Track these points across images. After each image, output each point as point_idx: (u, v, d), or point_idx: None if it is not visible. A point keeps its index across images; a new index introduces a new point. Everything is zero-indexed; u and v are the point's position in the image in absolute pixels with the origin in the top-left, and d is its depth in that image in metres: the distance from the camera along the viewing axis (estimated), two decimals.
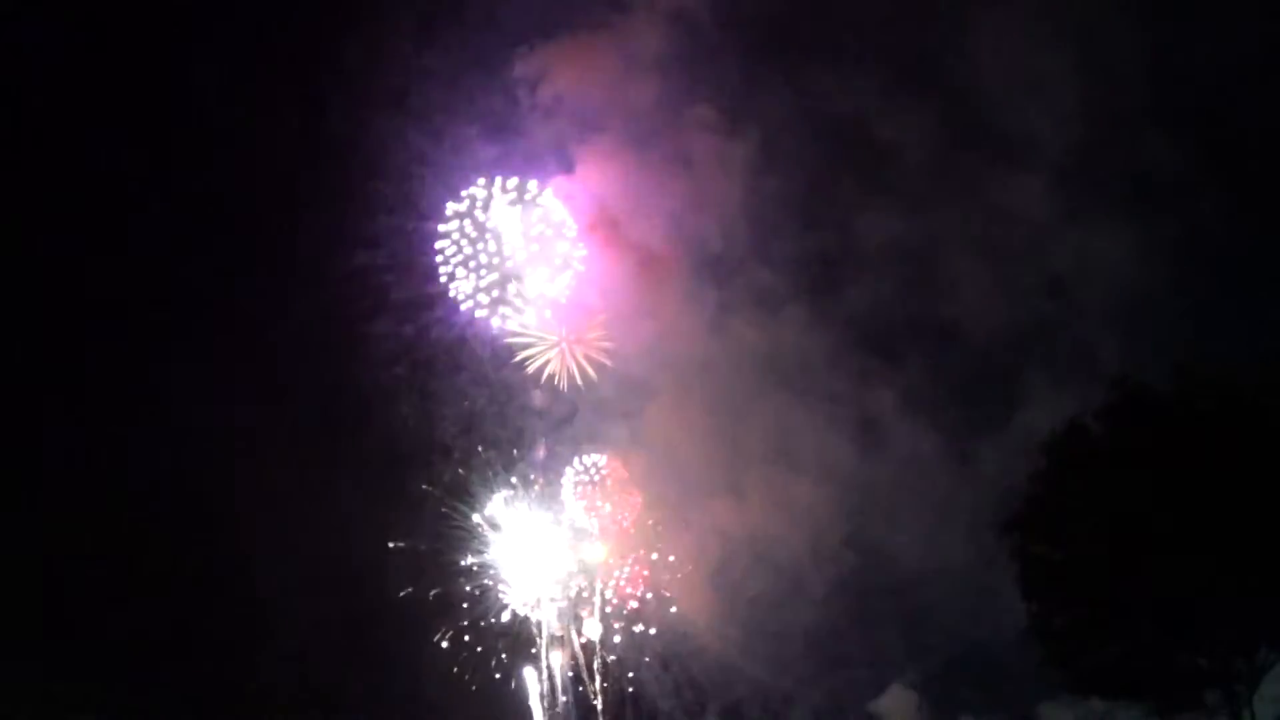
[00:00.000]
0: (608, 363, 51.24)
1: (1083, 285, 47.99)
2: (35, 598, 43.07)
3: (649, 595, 51.57)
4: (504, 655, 50.29)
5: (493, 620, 50.34)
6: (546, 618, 51.38)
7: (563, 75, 52.04)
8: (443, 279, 51.17)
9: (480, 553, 51.11)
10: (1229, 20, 44.84)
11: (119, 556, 44.13)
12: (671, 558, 51.54)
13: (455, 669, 48.85)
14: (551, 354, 51.22)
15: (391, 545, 49.29)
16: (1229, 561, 33.80)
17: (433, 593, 49.15)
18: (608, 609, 51.56)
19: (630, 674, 51.44)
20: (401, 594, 48.49)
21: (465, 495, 51.56)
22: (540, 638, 50.61)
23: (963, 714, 50.96)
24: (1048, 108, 47.40)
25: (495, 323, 51.11)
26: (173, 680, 41.76)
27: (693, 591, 50.86)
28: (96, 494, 45.94)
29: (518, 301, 51.22)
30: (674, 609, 51.15)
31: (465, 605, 50.03)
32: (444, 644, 48.94)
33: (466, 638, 49.80)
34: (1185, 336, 42.68)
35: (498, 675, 50.16)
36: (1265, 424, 34.40)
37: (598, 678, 51.15)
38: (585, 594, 51.86)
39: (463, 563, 50.77)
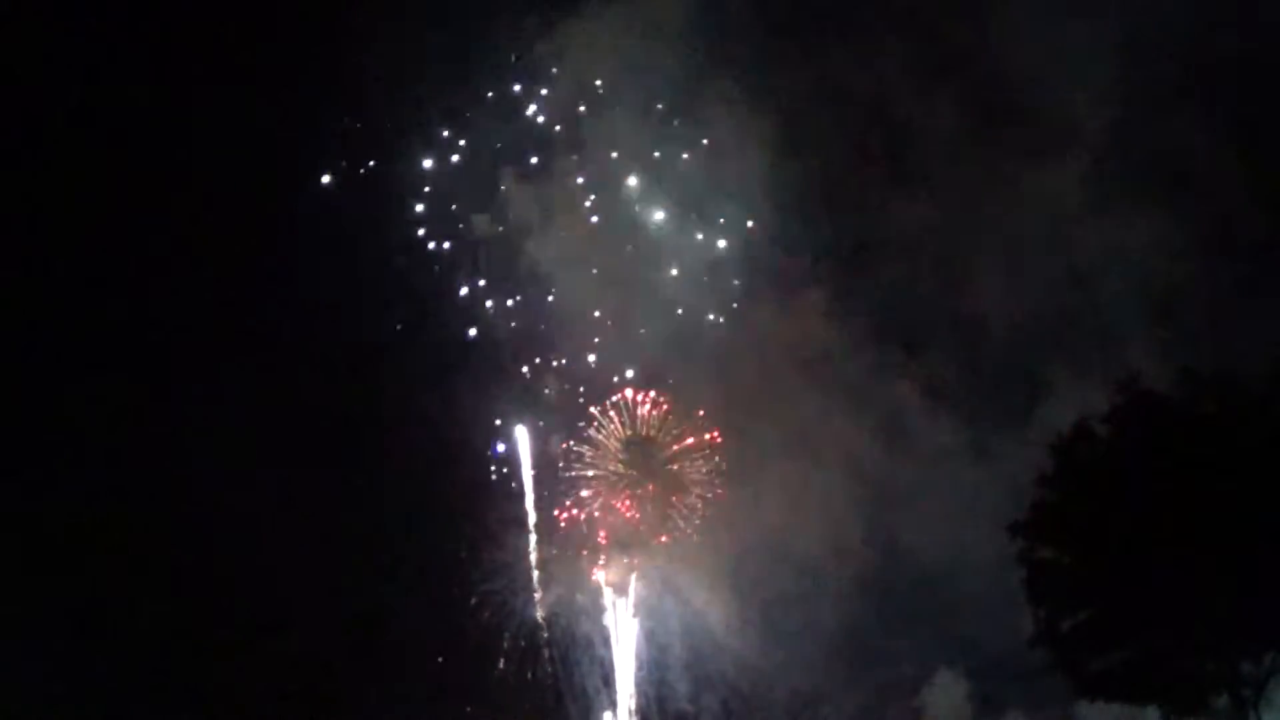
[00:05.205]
0: None
1: (1109, 277, 50.17)
2: (40, 596, 46.76)
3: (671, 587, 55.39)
4: (527, 652, 54.12)
5: (514, 618, 54.30)
6: (570, 614, 55.81)
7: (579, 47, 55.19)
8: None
9: (501, 548, 54.90)
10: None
11: (126, 556, 48.18)
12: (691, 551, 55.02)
13: (476, 670, 53.03)
14: None
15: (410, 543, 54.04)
16: (1236, 566, 35.84)
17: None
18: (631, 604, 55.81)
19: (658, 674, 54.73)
20: (417, 592, 52.61)
21: (486, 490, 56.16)
22: (552, 633, 54.78)
23: (1011, 709, 53.60)
24: (1077, 92, 49.45)
25: None
26: (176, 682, 46.22)
27: (714, 587, 54.01)
28: (103, 493, 49.81)
29: None
30: (696, 605, 54.25)
31: (487, 604, 54.02)
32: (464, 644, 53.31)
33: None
34: (1212, 331, 44.84)
35: (529, 674, 54.11)
36: (1272, 426, 36.75)
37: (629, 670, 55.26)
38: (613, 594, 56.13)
39: (487, 559, 54.61)
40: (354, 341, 54.53)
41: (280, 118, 54.25)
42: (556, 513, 55.61)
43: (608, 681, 54.70)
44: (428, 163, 56.20)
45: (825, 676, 54.02)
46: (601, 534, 55.79)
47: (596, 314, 55.81)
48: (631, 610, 55.06)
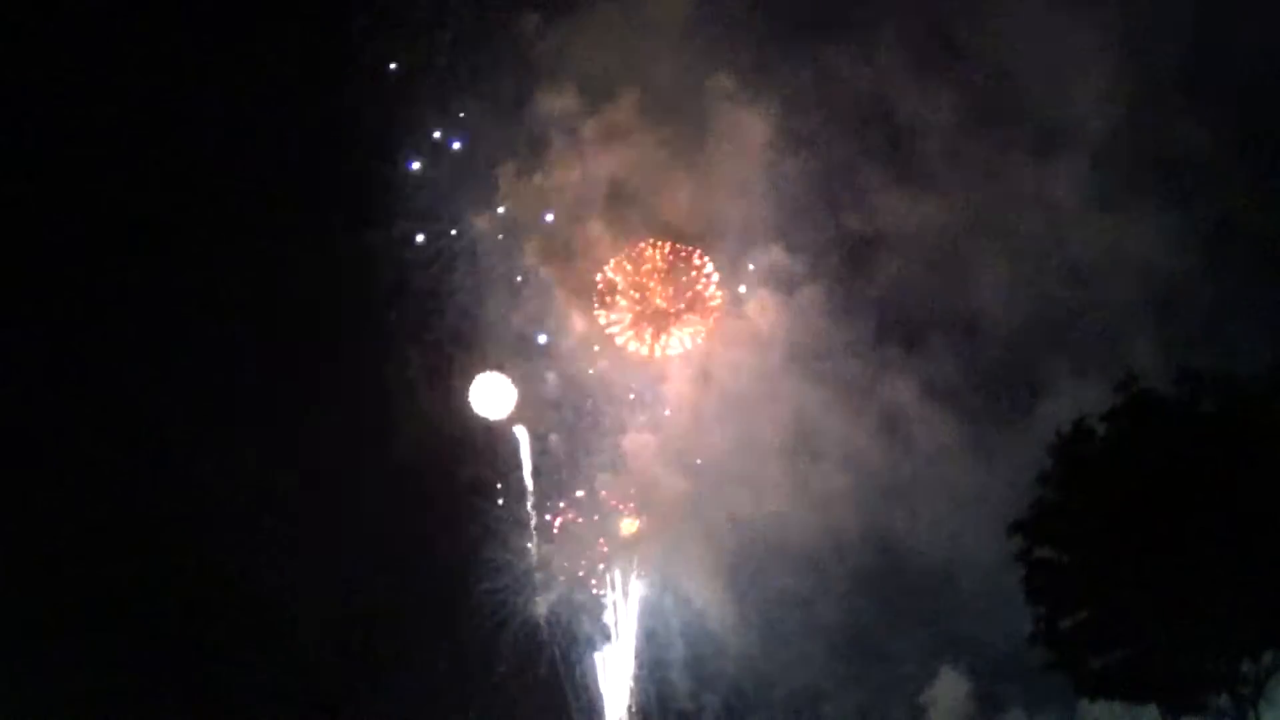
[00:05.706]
0: None
1: (1109, 276, 50.58)
2: (40, 598, 47.16)
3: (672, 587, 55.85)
4: (527, 652, 54.55)
5: (514, 618, 54.78)
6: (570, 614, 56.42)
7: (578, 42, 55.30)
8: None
9: (502, 548, 55.24)
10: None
11: (126, 555, 48.70)
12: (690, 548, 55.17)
13: (476, 670, 53.55)
14: None
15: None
16: (1235, 565, 36.26)
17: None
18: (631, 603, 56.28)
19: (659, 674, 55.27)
20: (417, 592, 52.82)
21: (491, 491, 56.56)
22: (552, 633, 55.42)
23: (1012, 707, 53.95)
24: (1078, 90, 49.73)
25: None
26: (177, 682, 46.61)
27: (715, 586, 54.52)
28: (103, 493, 50.18)
29: None
30: (696, 605, 54.62)
31: (487, 604, 54.46)
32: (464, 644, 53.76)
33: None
34: (1212, 330, 45.17)
35: (529, 674, 54.40)
36: (1270, 425, 36.98)
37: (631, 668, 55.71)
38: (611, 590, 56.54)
39: (488, 559, 55.10)
40: (354, 342, 54.98)
41: (282, 118, 54.80)
42: (550, 517, 55.90)
43: (608, 679, 55.01)
44: (418, 164, 56.34)
45: (827, 675, 54.17)
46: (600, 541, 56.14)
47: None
48: (631, 606, 55.36)
